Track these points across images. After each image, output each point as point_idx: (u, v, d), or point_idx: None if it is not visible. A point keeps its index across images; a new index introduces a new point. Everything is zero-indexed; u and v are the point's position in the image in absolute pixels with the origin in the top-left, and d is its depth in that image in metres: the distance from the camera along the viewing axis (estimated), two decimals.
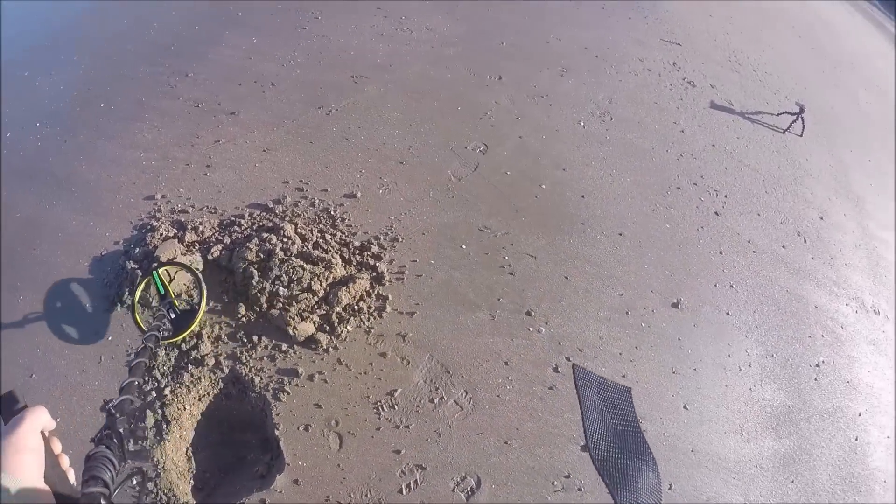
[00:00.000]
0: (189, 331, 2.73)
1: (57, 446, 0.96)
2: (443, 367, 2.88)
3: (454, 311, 3.05)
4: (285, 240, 3.12)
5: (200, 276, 2.89)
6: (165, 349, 2.95)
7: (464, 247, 3.27)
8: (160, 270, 2.74)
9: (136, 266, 3.16)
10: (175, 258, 3.14)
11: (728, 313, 3.29)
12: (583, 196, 3.63)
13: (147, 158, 3.70)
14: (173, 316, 2.62)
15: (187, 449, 2.78)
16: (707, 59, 5.12)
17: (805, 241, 3.83)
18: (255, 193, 3.43)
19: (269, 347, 2.91)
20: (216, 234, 3.26)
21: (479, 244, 3.30)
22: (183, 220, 3.34)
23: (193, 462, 2.76)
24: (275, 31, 4.60)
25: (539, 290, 3.16)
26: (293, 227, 3.19)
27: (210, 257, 3.15)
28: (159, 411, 2.78)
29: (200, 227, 3.26)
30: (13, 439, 0.83)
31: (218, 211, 3.37)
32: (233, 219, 3.30)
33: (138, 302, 2.80)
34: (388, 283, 3.09)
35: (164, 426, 2.73)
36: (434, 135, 3.81)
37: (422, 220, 3.36)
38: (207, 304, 2.96)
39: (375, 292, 3.07)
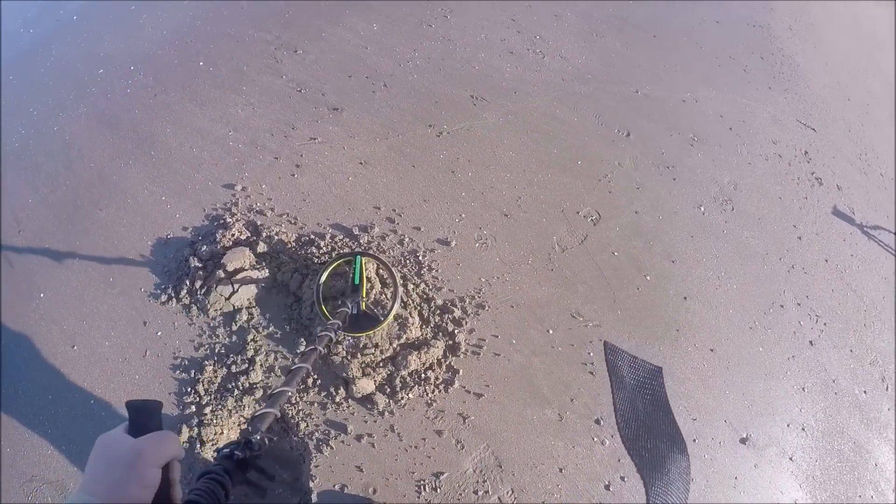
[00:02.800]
0: (365, 333, 2.54)
1: (176, 473, 0.94)
2: (496, 461, 2.57)
3: (523, 403, 2.72)
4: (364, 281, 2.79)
5: (399, 283, 2.67)
6: (214, 366, 2.72)
7: (551, 332, 2.90)
8: (363, 259, 2.53)
9: (201, 265, 2.91)
10: (244, 268, 2.88)
11: (791, 458, 2.87)
12: (685, 298, 3.18)
13: (235, 139, 3.42)
14: (355, 311, 2.41)
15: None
16: (839, 153, 4.47)
17: (887, 388, 3.31)
18: (341, 212, 3.10)
19: (323, 394, 2.65)
20: (291, 252, 2.96)
21: (568, 332, 2.92)
22: (259, 223, 3.05)
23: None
24: (398, 22, 4.20)
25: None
26: (374, 265, 2.85)
27: (279, 277, 2.86)
28: (196, 429, 2.58)
29: (276, 238, 2.97)
30: (138, 469, 0.83)
31: (298, 222, 3.07)
32: (312, 237, 2.99)
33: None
34: (462, 356, 2.75)
35: (199, 445, 2.54)
36: (547, 189, 3.38)
37: (514, 290, 2.98)
38: (263, 328, 2.73)
39: (447, 363, 2.73)
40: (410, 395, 2.63)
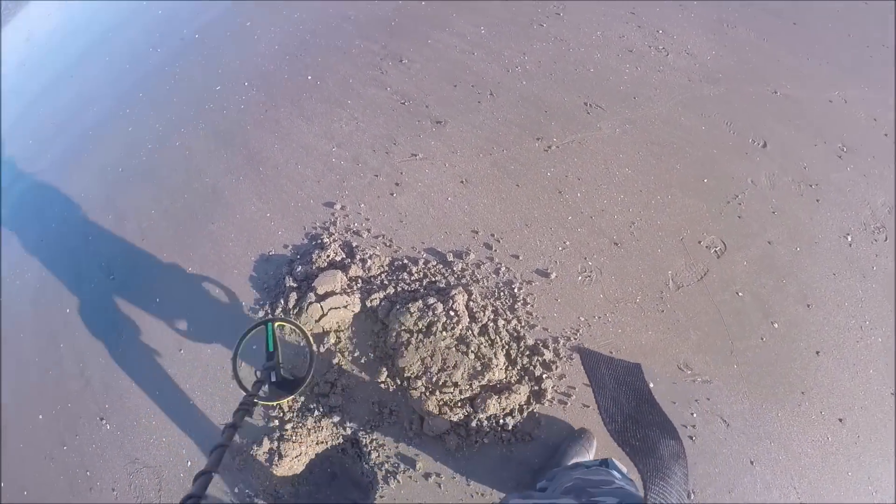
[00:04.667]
0: (283, 401, 2.54)
1: None
2: None
3: None
4: (451, 314, 2.62)
5: (313, 346, 2.54)
6: None
7: (652, 385, 2.53)
8: (275, 325, 2.46)
9: (295, 285, 2.92)
10: (335, 291, 2.84)
11: None
12: (818, 352, 2.63)
13: (338, 155, 3.40)
14: (274, 380, 2.36)
15: (293, 479, 2.63)
16: None
17: None
18: (437, 236, 2.95)
19: (397, 426, 2.57)
20: (383, 276, 2.87)
21: (671, 387, 2.53)
22: (355, 244, 2.99)
23: (297, 492, 2.63)
24: (507, 23, 3.95)
25: (714, 470, 2.39)
26: (464, 297, 2.67)
27: (368, 304, 2.78)
28: (276, 442, 2.62)
29: (369, 262, 2.90)
30: None
31: (393, 245, 2.97)
32: (405, 262, 2.87)
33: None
34: (547, 404, 2.49)
35: (276, 458, 2.58)
36: (666, 213, 2.97)
37: (615, 333, 2.65)
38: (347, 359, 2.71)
39: (529, 410, 2.49)
40: (485, 441, 2.46)
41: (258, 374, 2.37)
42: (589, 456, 2.38)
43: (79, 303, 3.48)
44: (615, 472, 1.64)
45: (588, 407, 2.50)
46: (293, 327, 2.67)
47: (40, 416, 3.12)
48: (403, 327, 2.65)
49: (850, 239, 3.01)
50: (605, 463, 1.75)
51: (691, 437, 2.44)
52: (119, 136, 4.29)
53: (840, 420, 2.51)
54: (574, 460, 2.33)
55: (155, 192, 3.74)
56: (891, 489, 2.43)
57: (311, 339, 2.52)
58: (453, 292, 2.69)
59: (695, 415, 2.49)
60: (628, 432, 2.31)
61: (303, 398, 2.68)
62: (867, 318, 2.78)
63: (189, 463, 2.79)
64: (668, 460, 2.31)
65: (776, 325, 2.69)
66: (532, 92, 3.47)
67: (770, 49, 3.87)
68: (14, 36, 7.38)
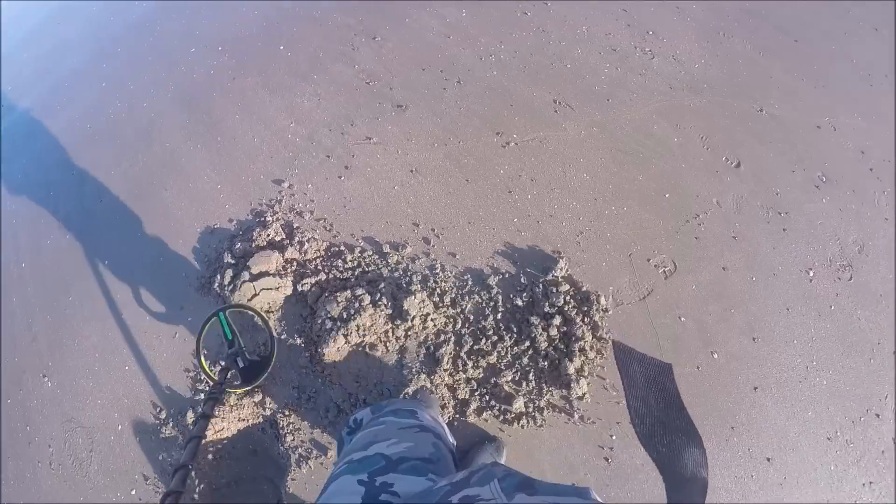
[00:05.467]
0: (258, 383, 2.46)
1: None
2: None
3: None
4: (381, 307, 2.56)
5: (272, 327, 2.54)
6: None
7: (576, 403, 2.45)
8: (227, 312, 2.38)
9: (233, 262, 2.87)
10: (269, 272, 2.78)
11: None
12: (755, 388, 2.50)
13: (294, 132, 3.30)
14: (241, 365, 2.34)
15: (216, 453, 2.64)
16: None
17: None
18: (378, 225, 2.86)
19: (314, 412, 2.55)
20: (318, 262, 2.80)
21: (594, 406, 2.45)
22: (296, 225, 2.93)
23: (219, 464, 2.66)
24: (490, 8, 3.77)
25: (625, 496, 2.33)
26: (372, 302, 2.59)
27: (300, 288, 2.72)
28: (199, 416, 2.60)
29: (306, 246, 2.82)
30: None
31: (333, 230, 2.89)
32: (342, 249, 2.79)
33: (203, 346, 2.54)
34: (472, 417, 2.44)
35: None
36: (618, 227, 2.82)
37: None
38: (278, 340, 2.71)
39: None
40: None
41: (222, 362, 2.37)
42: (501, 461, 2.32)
43: (33, 259, 3.47)
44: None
45: (507, 426, 2.43)
46: (246, 311, 2.64)
47: None
48: (329, 315, 2.59)
49: (811, 274, 2.86)
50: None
51: (607, 459, 2.37)
52: (91, 91, 4.23)
53: (768, 459, 2.41)
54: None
55: (117, 151, 3.69)
56: None
57: (266, 319, 2.49)
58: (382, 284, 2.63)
59: (614, 437, 2.40)
60: (656, 437, 2.44)
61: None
62: (815, 358, 2.65)
63: (120, 427, 2.80)
64: (692, 471, 2.35)
65: (716, 356, 2.57)
66: (501, 83, 3.32)
67: (765, 64, 3.66)
68: None
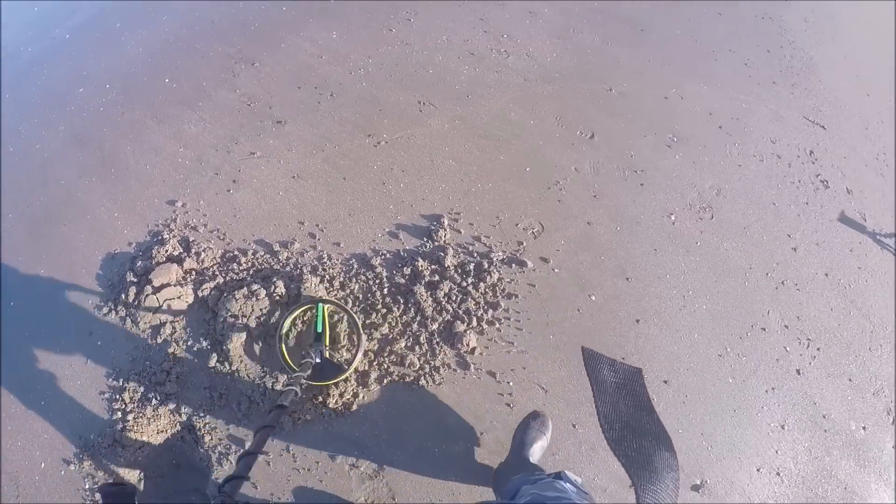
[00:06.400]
0: (329, 383, 2.55)
1: None
2: (390, 492, 2.49)
3: (426, 436, 2.61)
4: (276, 298, 2.81)
5: (361, 327, 2.67)
6: (140, 377, 2.83)
7: (467, 356, 2.76)
8: (324, 307, 2.54)
9: (135, 280, 3.03)
10: (170, 283, 2.97)
11: None
12: (637, 321, 2.90)
13: (184, 156, 3.52)
14: (317, 361, 2.42)
15: (139, 473, 2.67)
16: (852, 152, 3.93)
17: (893, 421, 2.87)
18: (267, 228, 3.12)
19: (227, 409, 2.71)
20: (215, 268, 3.02)
21: (486, 358, 2.75)
22: (192, 239, 3.13)
23: (142, 486, 2.67)
24: (359, 28, 4.15)
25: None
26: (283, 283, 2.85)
27: (200, 293, 2.93)
28: (119, 435, 2.70)
29: (203, 255, 3.04)
30: None
31: (226, 238, 3.12)
32: (236, 253, 3.03)
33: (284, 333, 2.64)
34: (374, 386, 2.68)
35: (120, 450, 2.67)
36: (484, 200, 3.21)
37: None
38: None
39: (351, 388, 2.69)
40: (308, 417, 2.61)
41: (306, 354, 2.36)
42: (547, 438, 2.47)
43: None
44: (568, 485, 1.69)
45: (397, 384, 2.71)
46: (340, 311, 2.69)
47: None
48: (230, 313, 2.81)
49: (673, 218, 3.31)
50: (558, 476, 1.80)
51: (509, 405, 2.64)
52: None
53: (665, 382, 2.76)
54: (536, 447, 2.40)
55: (13, 195, 3.76)
56: (725, 442, 2.67)
57: (355, 319, 2.59)
58: (276, 279, 2.88)
59: (511, 383, 2.69)
60: (625, 441, 2.57)
61: (143, 388, 2.77)
62: (690, 288, 3.06)
63: (43, 464, 2.78)
64: (661, 472, 2.53)
65: (593, 298, 2.93)
66: (370, 92, 3.68)
67: (612, 52, 4.18)
68: None
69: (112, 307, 3.06)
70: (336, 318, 2.78)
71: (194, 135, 3.61)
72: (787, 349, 2.96)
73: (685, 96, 3.97)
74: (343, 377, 2.57)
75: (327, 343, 2.56)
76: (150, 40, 4.39)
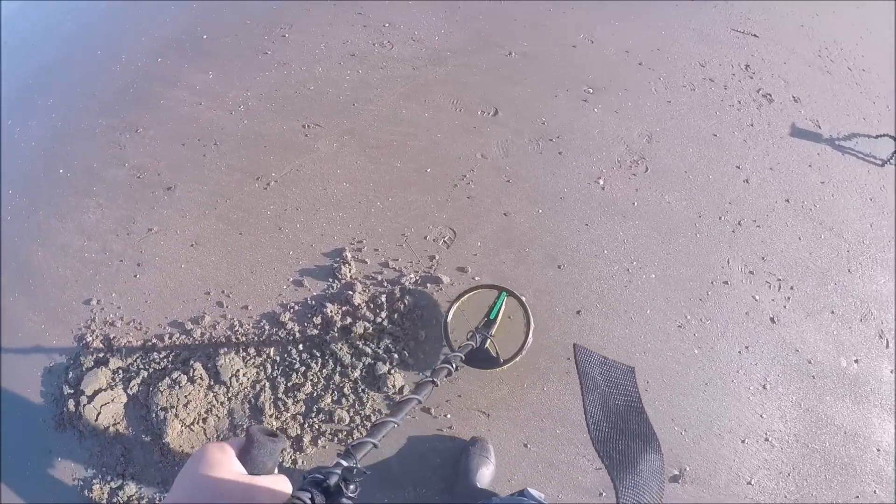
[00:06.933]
0: (479, 368, 2.49)
1: None
2: None
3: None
4: (199, 380, 2.73)
5: (531, 332, 2.53)
6: (100, 484, 2.82)
7: (398, 398, 2.62)
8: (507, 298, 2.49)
9: (72, 390, 3.00)
10: (102, 388, 2.93)
11: (751, 482, 2.37)
12: (579, 311, 2.67)
13: (89, 249, 3.41)
14: (477, 346, 2.30)
15: None
16: (791, 54, 3.55)
17: (887, 344, 2.64)
18: (176, 307, 3.01)
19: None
20: (138, 361, 2.95)
21: (423, 407, 2.59)
22: (112, 335, 3.05)
23: None
24: (233, 61, 3.90)
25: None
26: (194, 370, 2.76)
27: (130, 392, 2.87)
28: None
29: (125, 350, 2.97)
30: None
31: (143, 327, 3.03)
32: (154, 341, 2.94)
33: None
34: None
35: None
36: (387, 219, 2.99)
37: None
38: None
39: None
40: None
41: (472, 336, 2.25)
42: (491, 462, 2.38)
43: None
44: (535, 494, 1.67)
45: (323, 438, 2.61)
46: (522, 306, 2.59)
47: None
48: (159, 407, 2.75)
49: (602, 182, 3.04)
50: (521, 493, 1.77)
51: (451, 439, 2.50)
52: None
53: None
54: (482, 472, 2.32)
55: None
56: (700, 422, 2.49)
57: (531, 328, 2.49)
58: (193, 363, 2.79)
59: (449, 415, 2.55)
60: (610, 443, 2.45)
61: (106, 495, 2.75)
62: (633, 258, 2.81)
63: None
64: (646, 476, 2.41)
65: (524, 298, 2.71)
66: (252, 129, 3.47)
67: (505, 10, 3.84)
68: None
69: (60, 422, 3.04)
70: (510, 316, 2.64)
71: (94, 223, 3.49)
72: (757, 298, 2.73)
73: (595, 39, 3.63)
74: (494, 368, 2.45)
75: (494, 333, 2.43)
76: (40, 131, 4.23)
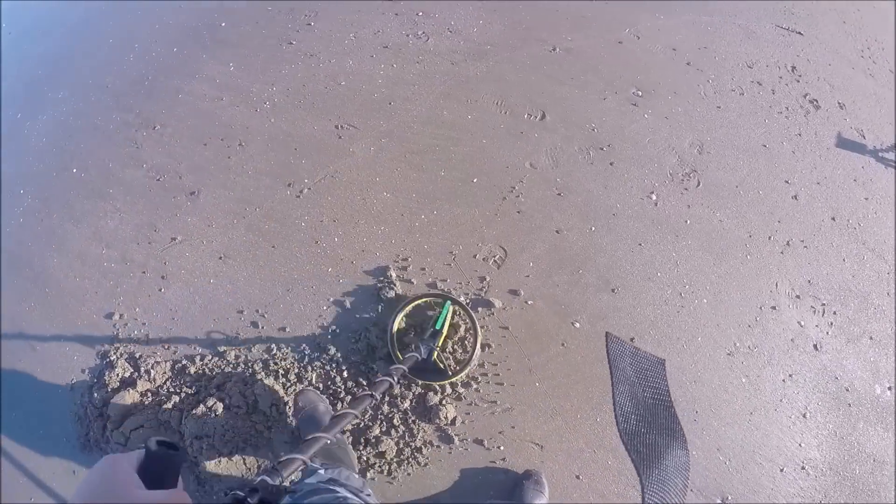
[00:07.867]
0: (421, 382, 2.41)
1: None
2: None
3: None
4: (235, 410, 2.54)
5: (480, 342, 2.43)
6: None
7: (452, 432, 2.42)
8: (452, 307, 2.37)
9: (98, 412, 2.82)
10: (132, 414, 2.74)
11: None
12: (632, 339, 2.48)
13: (108, 258, 3.18)
14: (421, 358, 2.19)
15: None
16: (835, 55, 3.28)
17: None
18: (207, 325, 2.80)
19: None
20: (168, 384, 2.75)
21: (470, 425, 2.41)
22: (138, 355, 2.86)
23: None
24: (255, 51, 3.59)
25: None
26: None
27: (160, 417, 2.68)
28: None
29: (153, 372, 2.78)
30: None
31: (171, 347, 2.83)
32: (185, 363, 2.75)
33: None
34: None
35: None
36: (433, 234, 2.73)
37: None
38: None
39: None
40: None
41: (416, 347, 2.19)
42: (545, 496, 2.27)
43: None
44: None
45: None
46: (461, 313, 2.50)
47: None
48: (194, 436, 2.57)
49: (654, 197, 2.83)
50: None
51: (504, 472, 2.34)
52: None
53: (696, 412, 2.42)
54: None
55: None
56: (743, 451, 2.36)
57: (479, 335, 2.41)
58: (231, 386, 2.59)
59: (502, 447, 2.39)
60: (639, 437, 2.40)
61: None
62: (686, 281, 2.64)
63: None
64: (671, 471, 2.33)
65: (577, 325, 2.54)
66: (281, 129, 3.20)
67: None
68: None
69: (86, 443, 2.88)
70: (457, 318, 2.51)
71: (112, 229, 3.25)
72: (802, 324, 2.55)
73: (641, 35, 3.34)
74: (443, 382, 2.36)
75: (439, 345, 2.31)
76: (51, 126, 3.95)
